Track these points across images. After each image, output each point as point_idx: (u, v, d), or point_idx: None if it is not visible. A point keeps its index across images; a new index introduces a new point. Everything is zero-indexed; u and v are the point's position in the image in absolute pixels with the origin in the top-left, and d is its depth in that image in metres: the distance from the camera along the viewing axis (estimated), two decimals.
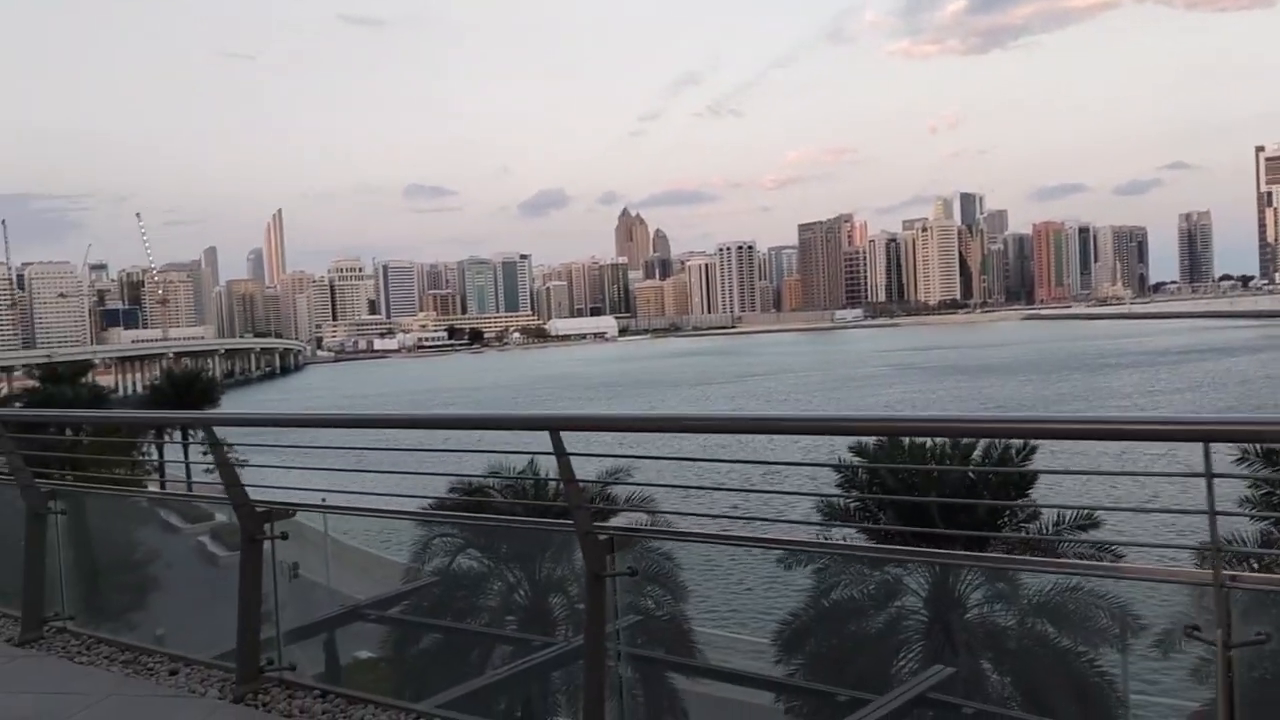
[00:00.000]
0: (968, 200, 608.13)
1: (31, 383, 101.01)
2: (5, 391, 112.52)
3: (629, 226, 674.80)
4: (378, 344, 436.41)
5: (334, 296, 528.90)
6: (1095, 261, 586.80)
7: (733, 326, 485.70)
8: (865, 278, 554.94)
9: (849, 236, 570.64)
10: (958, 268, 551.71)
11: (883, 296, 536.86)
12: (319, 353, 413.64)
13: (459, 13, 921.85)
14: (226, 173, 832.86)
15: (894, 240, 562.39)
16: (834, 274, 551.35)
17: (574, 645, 9.07)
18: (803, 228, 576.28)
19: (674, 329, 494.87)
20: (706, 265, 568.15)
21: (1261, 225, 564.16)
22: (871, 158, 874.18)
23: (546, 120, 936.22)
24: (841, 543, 21.18)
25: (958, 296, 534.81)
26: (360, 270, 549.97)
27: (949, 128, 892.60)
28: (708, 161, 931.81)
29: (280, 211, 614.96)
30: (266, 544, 5.63)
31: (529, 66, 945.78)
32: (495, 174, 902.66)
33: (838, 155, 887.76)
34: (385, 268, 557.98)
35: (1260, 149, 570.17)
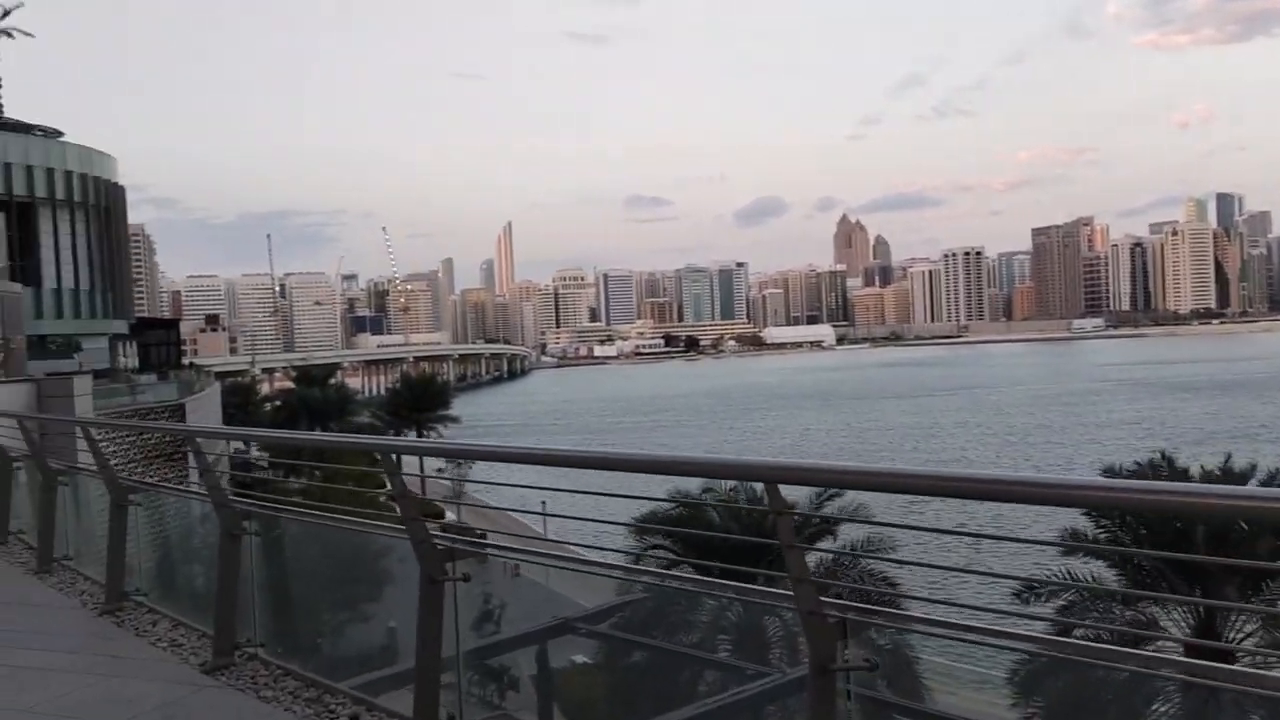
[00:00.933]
0: (1225, 201, 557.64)
1: (288, 384, 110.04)
2: (267, 390, 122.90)
3: (848, 233, 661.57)
4: (597, 350, 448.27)
5: (558, 304, 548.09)
6: None
7: (958, 336, 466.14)
8: (1106, 285, 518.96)
9: (1088, 241, 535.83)
10: (1213, 274, 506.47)
11: (1126, 305, 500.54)
12: (543, 358, 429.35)
13: (678, 24, 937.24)
14: (462, 187, 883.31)
15: (1139, 245, 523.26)
16: (1071, 281, 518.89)
17: (792, 677, 8.34)
18: (1036, 232, 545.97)
19: (895, 338, 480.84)
20: (930, 272, 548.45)
21: None
22: (1113, 157, 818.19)
23: (763, 127, 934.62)
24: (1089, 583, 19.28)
25: (1213, 305, 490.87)
26: (582, 279, 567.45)
27: (1201, 123, 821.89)
28: (932, 164, 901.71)
29: (510, 224, 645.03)
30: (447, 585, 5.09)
31: (746, 75, 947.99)
32: (712, 183, 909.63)
33: (1075, 155, 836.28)
34: (605, 277, 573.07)
35: None
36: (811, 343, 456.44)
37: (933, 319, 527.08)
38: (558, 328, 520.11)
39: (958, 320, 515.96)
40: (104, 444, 31.11)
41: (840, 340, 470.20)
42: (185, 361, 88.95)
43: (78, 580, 6.62)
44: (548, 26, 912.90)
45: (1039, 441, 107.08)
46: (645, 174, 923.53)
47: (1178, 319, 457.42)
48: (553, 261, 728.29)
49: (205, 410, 53.51)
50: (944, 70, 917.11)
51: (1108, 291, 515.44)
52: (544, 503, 56.90)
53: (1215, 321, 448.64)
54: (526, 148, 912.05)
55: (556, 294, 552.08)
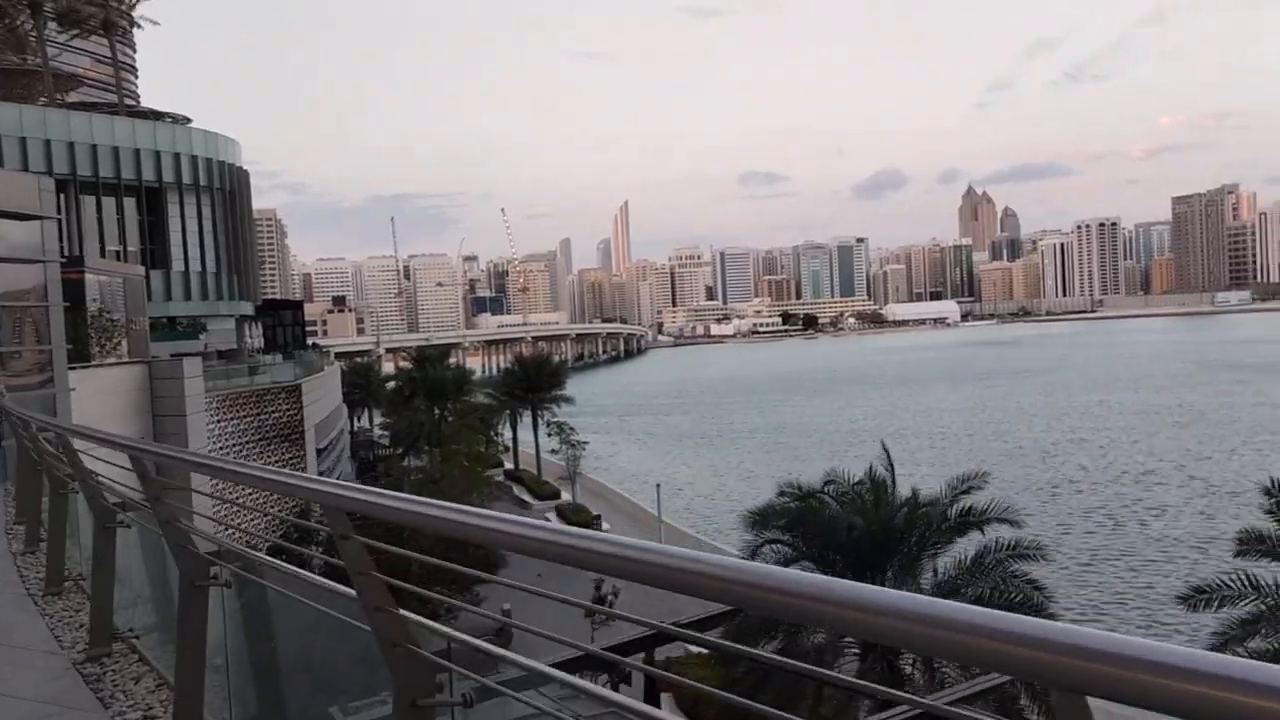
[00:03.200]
0: None
1: (403, 364, 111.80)
2: (391, 369, 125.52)
3: (974, 205, 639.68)
4: (714, 329, 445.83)
5: (674, 283, 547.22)
6: None
7: (1092, 311, 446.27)
8: (1254, 256, 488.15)
9: (1233, 210, 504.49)
10: None
11: (1275, 277, 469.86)
12: (659, 337, 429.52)
13: None
14: (579, 167, 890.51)
15: None
16: (1215, 252, 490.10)
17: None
18: (1177, 201, 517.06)
19: (1024, 313, 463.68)
20: (1062, 244, 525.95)
21: None
22: (1261, 120, 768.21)
23: (883, 99, 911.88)
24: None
25: None
26: (699, 257, 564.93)
27: None
28: (1064, 132, 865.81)
29: (626, 203, 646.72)
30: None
31: (864, 44, 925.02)
32: (828, 157, 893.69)
33: (1219, 120, 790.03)
34: (722, 255, 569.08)
35: None
36: (935, 319, 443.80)
37: (1064, 294, 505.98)
38: (674, 306, 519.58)
39: (1091, 294, 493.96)
40: (215, 421, 30.96)
41: (965, 316, 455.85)
42: (310, 342, 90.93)
43: (85, 608, 5.50)
44: (664, 2, 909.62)
45: (1169, 426, 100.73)
46: (760, 150, 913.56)
47: None
48: (669, 240, 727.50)
49: (324, 390, 54.13)
50: (1077, 34, 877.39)
51: (1254, 263, 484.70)
52: (659, 485, 55.58)
53: None
54: (642, 126, 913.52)
55: (673, 273, 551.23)
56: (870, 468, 20.75)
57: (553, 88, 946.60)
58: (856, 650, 18.27)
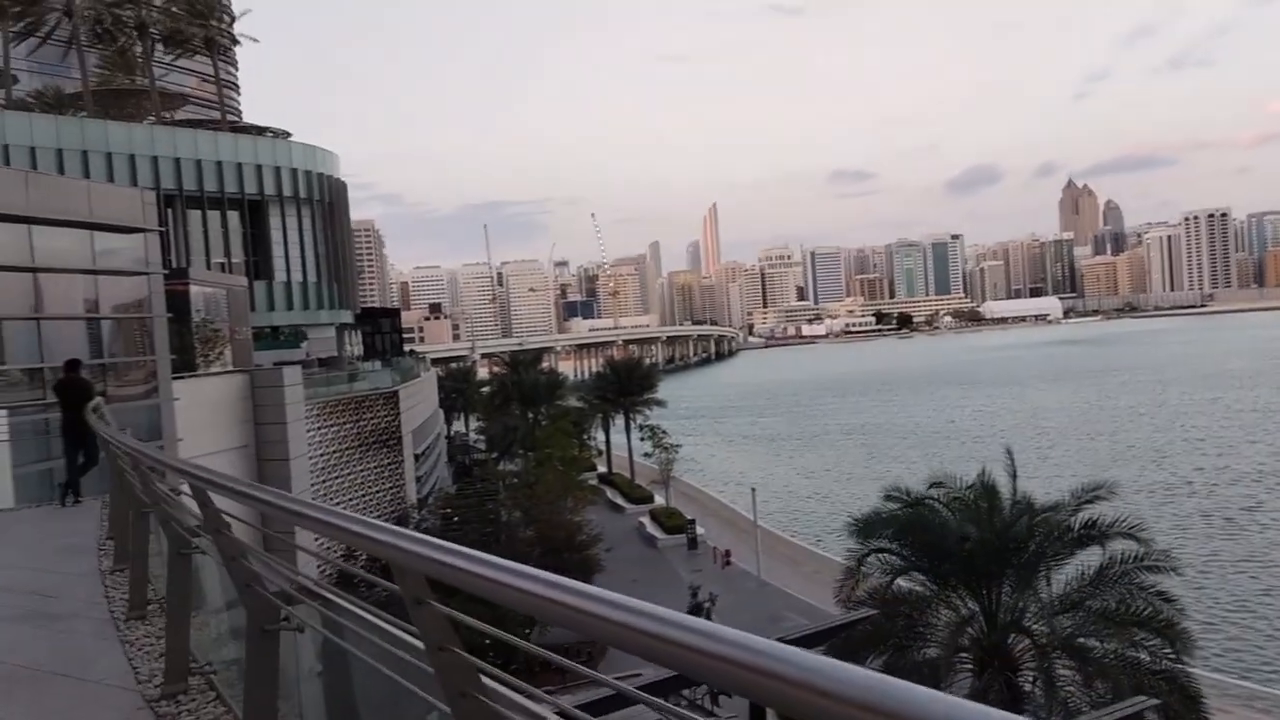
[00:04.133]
0: None
1: (498, 369, 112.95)
2: (485, 374, 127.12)
3: (1074, 198, 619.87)
4: (805, 330, 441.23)
5: (764, 284, 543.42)
6: None
7: (1202, 306, 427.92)
8: None
9: None
10: None
11: None
12: (750, 339, 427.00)
13: None
14: (666, 170, 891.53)
15: None
16: None
17: None
18: None
19: (1129, 309, 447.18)
20: (1169, 238, 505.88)
21: None
22: None
23: (975, 93, 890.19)
24: None
25: None
26: (789, 258, 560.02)
27: None
28: (1167, 121, 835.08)
29: (715, 205, 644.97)
30: None
31: (954, 38, 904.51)
32: (920, 153, 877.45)
33: None
34: (813, 255, 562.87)
35: None
36: (1035, 316, 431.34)
37: (1172, 288, 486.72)
38: (765, 307, 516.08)
39: (1201, 288, 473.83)
40: (315, 429, 31.33)
41: (1067, 313, 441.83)
42: (408, 349, 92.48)
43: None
44: (746, 1, 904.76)
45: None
46: (849, 148, 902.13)
47: None
48: (758, 241, 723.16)
49: (421, 396, 54.77)
50: (1179, 18, 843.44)
51: None
52: (754, 489, 54.63)
53: None
54: (728, 127, 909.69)
55: (763, 273, 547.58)
56: (984, 470, 19.72)
57: (638, 91, 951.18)
58: (971, 667, 17.35)
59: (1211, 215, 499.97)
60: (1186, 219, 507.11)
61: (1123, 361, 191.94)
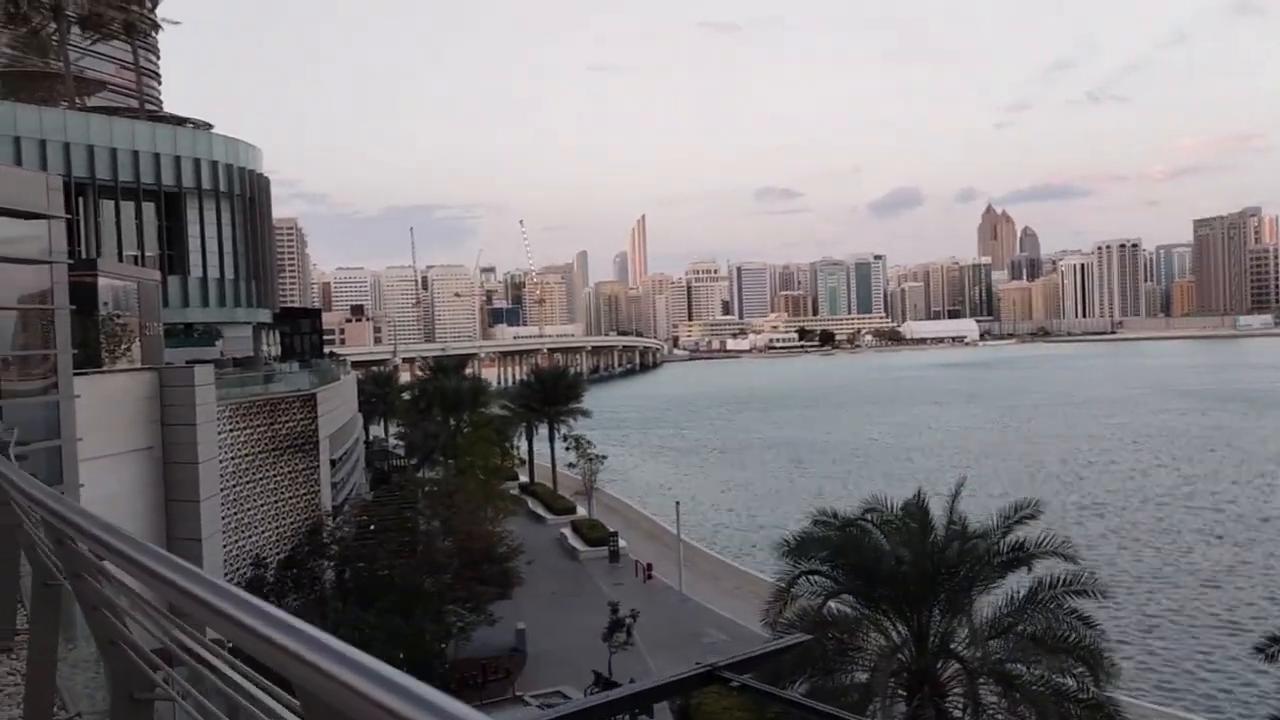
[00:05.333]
0: None
1: (420, 374, 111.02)
2: (408, 379, 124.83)
3: (993, 224, 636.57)
4: (730, 344, 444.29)
5: (690, 297, 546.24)
6: None
7: (1112, 332, 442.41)
8: (1276, 279, 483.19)
9: (1255, 233, 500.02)
10: None
11: None
12: (675, 351, 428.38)
13: (810, 11, 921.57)
14: (596, 181, 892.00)
15: None
16: (1236, 275, 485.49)
17: None
18: (1199, 224, 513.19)
19: (1043, 334, 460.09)
20: (1082, 265, 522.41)
21: None
22: None
23: (900, 117, 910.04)
24: None
25: None
26: (715, 272, 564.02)
27: None
28: (1083, 153, 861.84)
29: (644, 217, 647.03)
30: None
31: (881, 61, 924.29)
32: (845, 175, 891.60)
33: (1241, 142, 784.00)
34: (739, 270, 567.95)
35: None
36: (953, 338, 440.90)
37: (1084, 314, 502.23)
38: (690, 320, 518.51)
39: (1111, 315, 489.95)
40: (227, 431, 29.97)
41: (984, 335, 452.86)
42: (327, 351, 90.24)
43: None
44: (680, 15, 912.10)
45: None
46: (776, 166, 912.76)
47: None
48: (685, 254, 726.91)
49: (340, 400, 53.24)
50: (1097, 55, 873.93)
51: (1276, 286, 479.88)
52: (678, 503, 54.31)
53: None
54: (659, 140, 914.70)
55: (689, 287, 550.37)
56: (919, 492, 19.61)
57: (570, 101, 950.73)
58: (903, 692, 17.13)
59: (1123, 245, 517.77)
60: (1099, 248, 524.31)
61: (1036, 384, 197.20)
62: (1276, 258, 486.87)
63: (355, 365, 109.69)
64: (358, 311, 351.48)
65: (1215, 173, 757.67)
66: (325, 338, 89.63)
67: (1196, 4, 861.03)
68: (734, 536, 67.94)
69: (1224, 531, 62.55)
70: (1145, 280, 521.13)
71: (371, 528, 41.78)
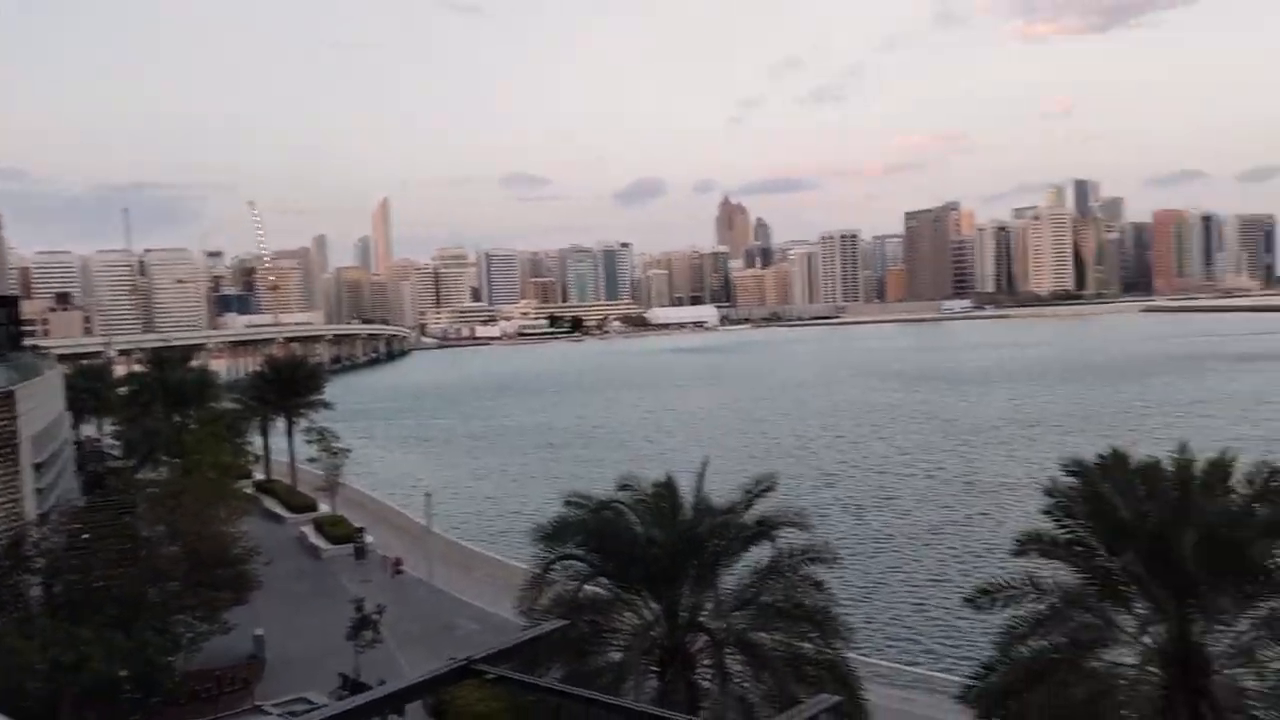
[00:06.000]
0: (1081, 187, 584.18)
1: (139, 367, 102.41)
2: (124, 373, 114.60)
3: (729, 215, 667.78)
4: (480, 331, 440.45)
5: (438, 284, 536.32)
6: (1219, 251, 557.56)
7: (835, 316, 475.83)
8: (974, 268, 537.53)
9: (956, 225, 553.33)
10: (1071, 258, 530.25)
11: (991, 287, 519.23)
12: (423, 339, 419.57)
13: None
14: (335, 163, 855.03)
15: (1004, 229, 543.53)
16: (940, 264, 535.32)
17: None
18: (909, 216, 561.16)
19: (775, 318, 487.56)
20: (809, 254, 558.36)
21: None
22: (981, 144, 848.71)
23: (642, 107, 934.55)
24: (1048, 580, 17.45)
25: (1071, 287, 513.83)
26: (463, 258, 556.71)
27: (1062, 112, 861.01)
28: (811, 148, 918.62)
29: (386, 200, 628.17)
30: None
31: (625, 54, 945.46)
32: (591, 163, 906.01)
33: (946, 141, 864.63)
34: (488, 256, 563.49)
35: None
36: (695, 323, 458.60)
37: (811, 300, 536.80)
38: (439, 307, 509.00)
39: (835, 300, 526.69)
40: None
41: (723, 320, 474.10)
42: (28, 343, 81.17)
43: None
44: None
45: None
46: (523, 153, 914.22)
47: (1039, 301, 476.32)
48: (432, 240, 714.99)
49: (44, 397, 48.07)
50: (820, 56, 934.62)
51: (975, 274, 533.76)
52: (428, 494, 53.02)
53: (1073, 303, 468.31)
54: (402, 123, 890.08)
55: (437, 273, 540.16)
56: (669, 473, 20.05)
57: (305, 77, 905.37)
58: (656, 668, 17.46)
59: (844, 236, 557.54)
60: (824, 238, 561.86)
61: (770, 367, 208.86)
62: (973, 249, 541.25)
63: (62, 359, 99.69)
64: (63, 300, 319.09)
65: (924, 169, 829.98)
66: (25, 329, 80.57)
67: (904, 12, 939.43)
68: (487, 525, 67.38)
69: (935, 495, 68.73)
70: (863, 268, 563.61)
71: (84, 536, 37.95)
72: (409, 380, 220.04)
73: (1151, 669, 15.87)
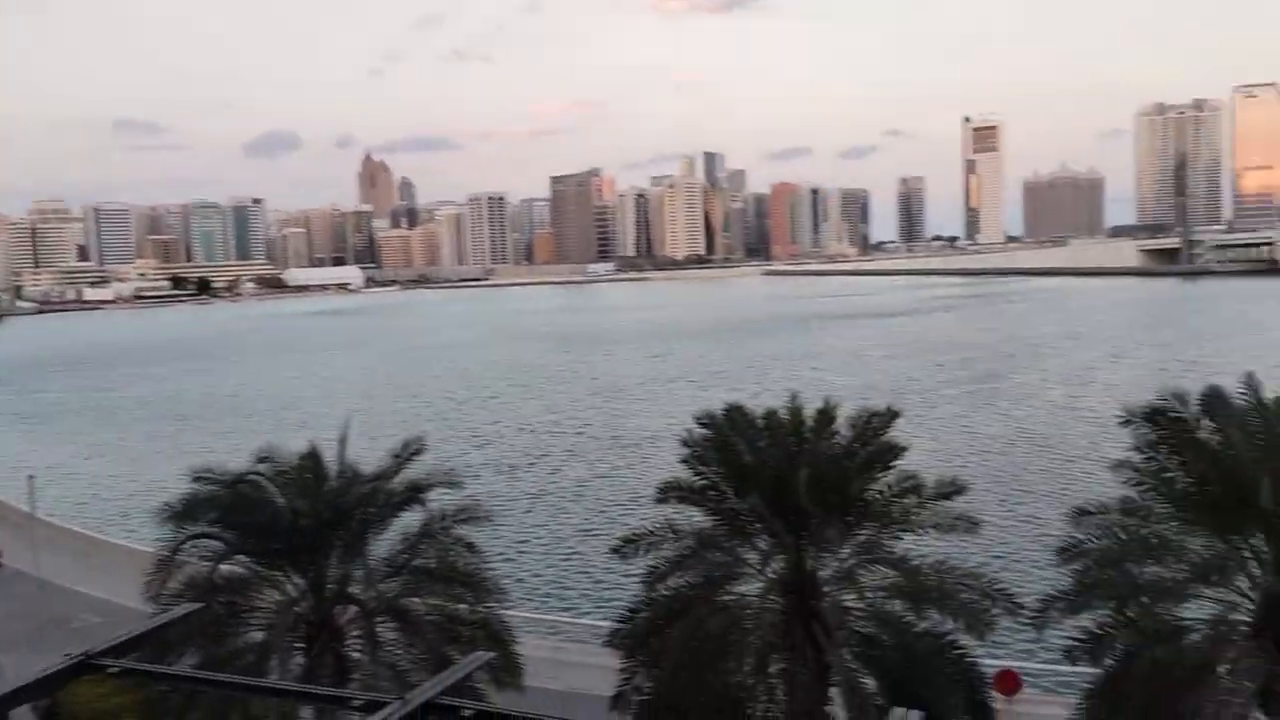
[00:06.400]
0: (710, 159, 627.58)
1: None
2: None
3: (372, 172, 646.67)
4: (89, 294, 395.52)
5: (35, 242, 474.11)
6: (824, 221, 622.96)
7: (485, 279, 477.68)
8: (616, 232, 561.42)
9: (599, 191, 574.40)
10: (703, 225, 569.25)
11: (632, 251, 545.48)
12: (19, 304, 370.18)
13: None
14: None
15: (643, 196, 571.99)
16: (585, 228, 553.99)
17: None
18: (555, 180, 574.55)
19: (424, 280, 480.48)
20: (457, 216, 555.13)
21: (966, 190, 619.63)
22: (621, 112, 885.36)
23: (275, 53, 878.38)
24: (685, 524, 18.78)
25: (703, 252, 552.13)
26: (66, 213, 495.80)
27: (694, 85, 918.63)
28: (456, 107, 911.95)
29: None
30: None
31: None
32: (215, 110, 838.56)
33: (589, 108, 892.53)
34: (96, 211, 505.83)
35: (967, 119, 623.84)
36: (338, 285, 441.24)
37: (461, 262, 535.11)
38: (37, 268, 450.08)
39: (485, 263, 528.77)
40: None
41: (368, 282, 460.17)
42: None
43: None
44: None
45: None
46: (137, 95, 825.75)
47: (675, 264, 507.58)
48: (26, 192, 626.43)
49: None
50: (461, 12, 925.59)
51: (617, 238, 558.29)
52: (32, 477, 47.14)
53: (705, 267, 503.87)
54: None
55: (34, 230, 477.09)
56: (312, 442, 19.13)
57: None
58: (302, 644, 16.73)
59: (492, 198, 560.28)
60: (471, 200, 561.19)
61: (418, 329, 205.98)
62: (615, 214, 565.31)
63: None
64: None
65: (568, 134, 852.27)
66: None
67: None
68: (106, 508, 60.96)
69: (584, 451, 71.39)
70: (512, 231, 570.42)
71: None
72: (1, 351, 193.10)
73: (774, 598, 17.57)
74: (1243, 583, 15.28)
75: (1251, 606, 15.13)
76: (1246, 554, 15.29)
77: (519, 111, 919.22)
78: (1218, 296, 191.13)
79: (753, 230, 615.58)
